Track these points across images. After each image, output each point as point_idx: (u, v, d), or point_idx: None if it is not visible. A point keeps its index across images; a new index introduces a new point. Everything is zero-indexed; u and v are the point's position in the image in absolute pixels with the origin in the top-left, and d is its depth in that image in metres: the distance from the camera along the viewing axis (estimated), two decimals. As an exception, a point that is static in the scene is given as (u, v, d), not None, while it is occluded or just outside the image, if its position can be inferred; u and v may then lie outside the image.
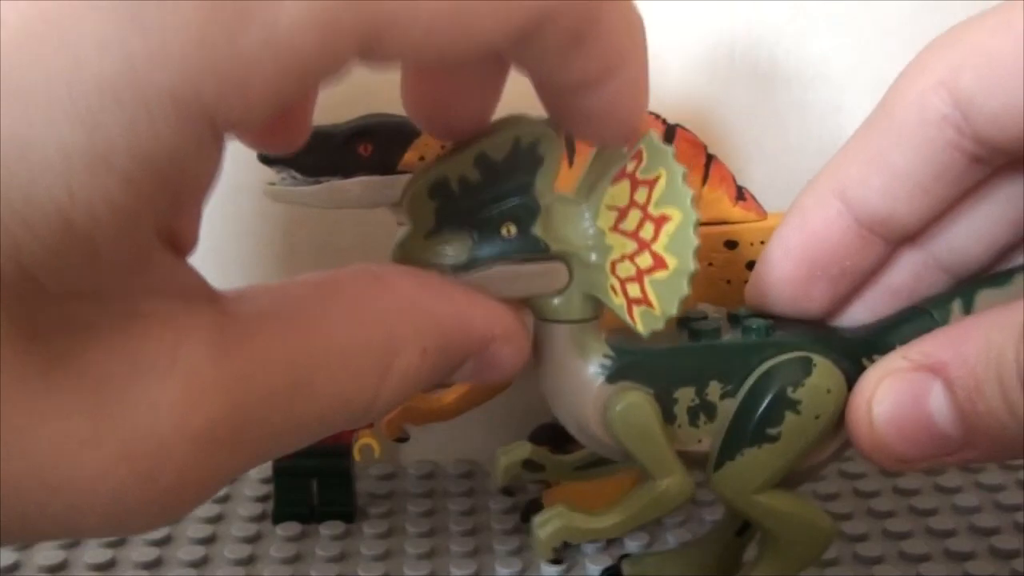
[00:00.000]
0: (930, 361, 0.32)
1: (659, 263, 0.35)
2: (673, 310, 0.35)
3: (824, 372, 0.37)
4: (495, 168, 0.35)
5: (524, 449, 0.43)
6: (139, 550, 0.51)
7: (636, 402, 0.38)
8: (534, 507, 0.52)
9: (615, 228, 0.36)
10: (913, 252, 0.39)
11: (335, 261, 0.56)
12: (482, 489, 0.57)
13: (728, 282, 0.50)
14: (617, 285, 0.36)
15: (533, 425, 0.57)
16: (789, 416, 0.37)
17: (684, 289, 0.35)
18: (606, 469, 0.44)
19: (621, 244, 0.36)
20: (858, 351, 0.38)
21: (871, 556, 0.50)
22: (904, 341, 0.37)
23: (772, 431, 0.38)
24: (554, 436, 0.56)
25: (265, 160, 0.49)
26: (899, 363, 0.34)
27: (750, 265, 0.50)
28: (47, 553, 0.50)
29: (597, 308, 0.38)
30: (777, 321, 0.40)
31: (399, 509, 0.55)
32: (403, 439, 0.53)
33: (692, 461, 0.39)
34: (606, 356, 0.38)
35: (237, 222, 0.56)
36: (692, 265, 0.35)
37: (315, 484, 0.54)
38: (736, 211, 0.50)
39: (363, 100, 0.54)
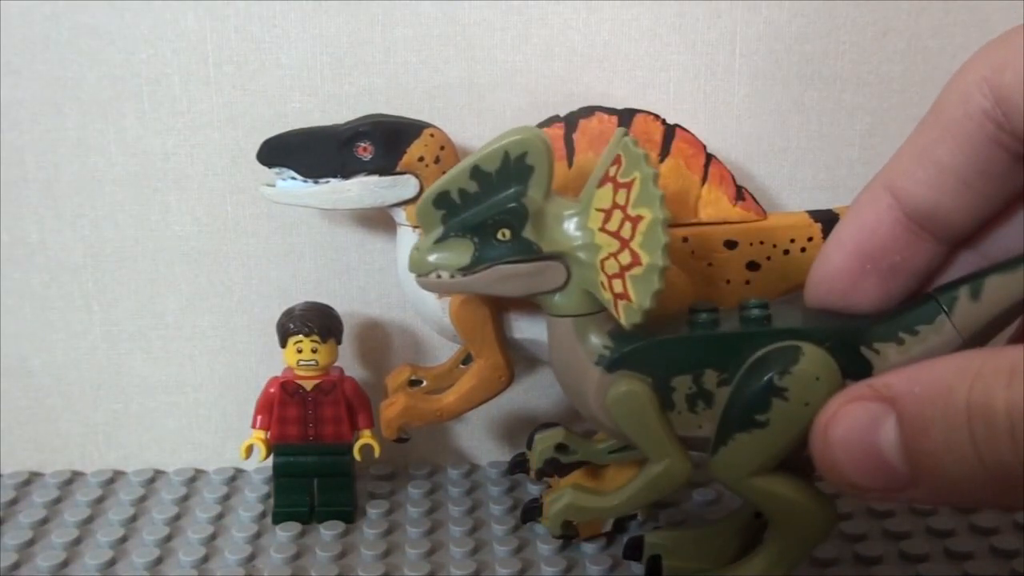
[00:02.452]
0: (890, 393, 0.32)
1: (635, 260, 0.38)
2: (647, 303, 0.38)
3: (813, 360, 0.39)
4: (489, 179, 0.40)
5: (558, 434, 0.46)
6: (140, 549, 0.51)
7: (631, 390, 0.40)
8: (534, 508, 0.52)
9: (602, 228, 0.39)
10: (967, 254, 0.39)
11: (335, 261, 0.57)
12: (482, 489, 0.57)
13: (728, 281, 0.50)
14: (605, 281, 0.39)
15: (533, 426, 0.57)
16: (776, 403, 0.39)
17: (656, 284, 0.38)
18: (633, 453, 0.46)
19: (608, 243, 0.39)
20: (858, 340, 0.39)
21: (871, 556, 0.50)
22: (907, 329, 0.38)
23: (760, 417, 0.39)
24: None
25: (265, 161, 0.49)
26: (863, 391, 0.34)
27: (750, 265, 0.50)
28: (48, 553, 0.50)
29: (597, 302, 0.41)
30: (784, 311, 0.41)
31: (399, 509, 0.55)
32: (403, 439, 0.53)
33: (695, 446, 0.41)
34: (606, 347, 0.41)
35: (237, 222, 0.56)
36: (662, 261, 0.38)
37: (315, 484, 0.54)
38: (736, 211, 0.50)
39: (363, 101, 0.54)
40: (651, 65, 0.55)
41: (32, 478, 0.58)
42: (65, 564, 0.50)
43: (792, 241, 0.50)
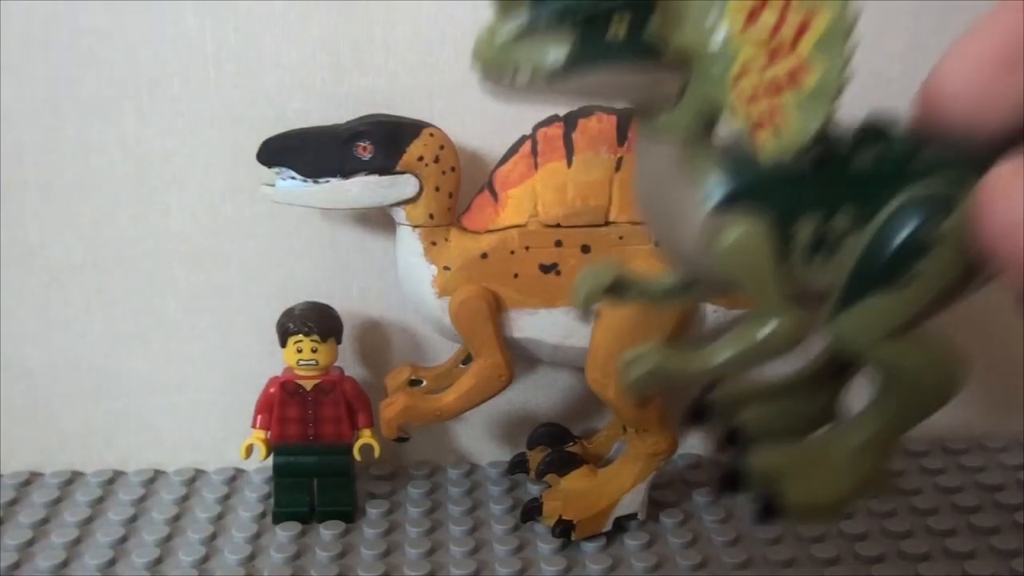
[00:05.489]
0: None
1: (798, 75, 0.30)
2: (808, 137, 0.30)
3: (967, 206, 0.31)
4: None
5: (609, 273, 0.39)
6: (140, 549, 0.51)
7: (748, 233, 0.33)
8: (534, 507, 0.52)
9: (745, 28, 0.30)
10: None
11: (335, 261, 0.57)
12: (482, 489, 0.57)
13: (727, 282, 0.50)
14: (742, 101, 0.31)
15: (533, 426, 0.57)
16: (925, 257, 0.32)
17: (826, 110, 0.30)
18: (694, 295, 0.39)
19: (750, 52, 0.30)
20: None
21: (871, 555, 0.50)
22: None
23: (906, 275, 0.32)
24: (552, 436, 0.56)
25: (265, 160, 0.49)
26: None
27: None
28: (48, 553, 0.50)
29: (711, 125, 0.33)
30: (918, 144, 0.33)
31: (399, 509, 0.55)
32: (403, 439, 0.53)
33: (809, 300, 0.34)
34: (718, 180, 0.32)
35: (237, 222, 0.56)
36: (841, 78, 0.30)
37: (315, 484, 0.54)
38: (735, 211, 0.49)
39: (363, 101, 0.54)
40: (651, 65, 0.55)
41: (32, 478, 0.58)
42: (65, 564, 0.50)
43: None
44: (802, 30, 0.29)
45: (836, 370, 0.39)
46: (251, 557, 0.50)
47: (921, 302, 0.33)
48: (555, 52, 0.30)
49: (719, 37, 0.30)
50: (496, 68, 0.30)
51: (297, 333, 0.51)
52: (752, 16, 0.30)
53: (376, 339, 0.58)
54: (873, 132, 0.34)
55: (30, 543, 0.52)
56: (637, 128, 0.33)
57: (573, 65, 0.30)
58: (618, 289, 0.38)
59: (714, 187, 0.32)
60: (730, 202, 0.32)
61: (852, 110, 0.60)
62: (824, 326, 0.34)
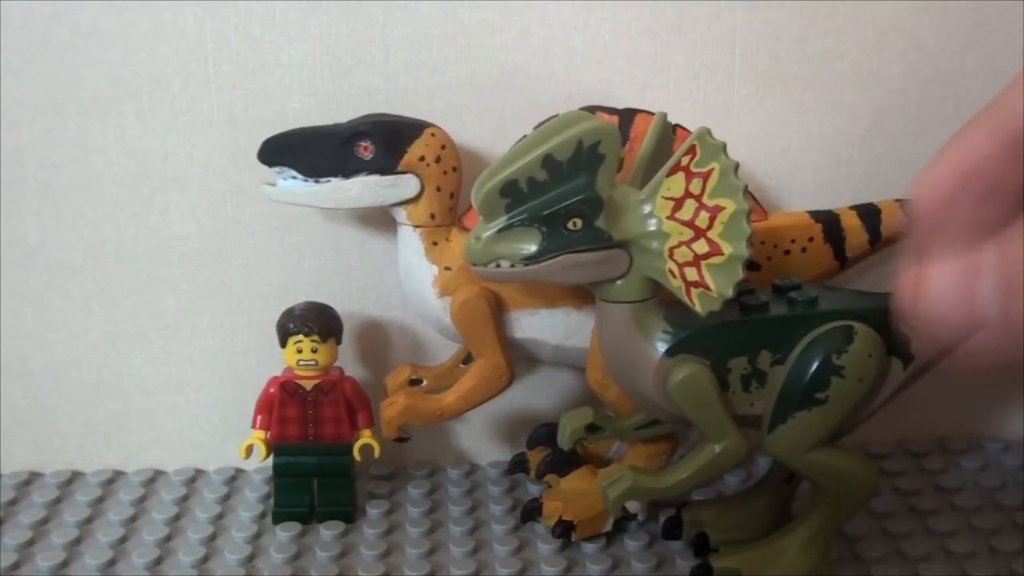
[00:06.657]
0: (984, 251, 0.33)
1: (715, 249, 0.39)
2: (729, 292, 0.40)
3: (865, 338, 0.41)
4: (560, 168, 0.39)
5: (587, 415, 0.48)
6: (140, 549, 0.51)
7: (694, 373, 0.41)
8: (534, 508, 0.52)
9: (672, 217, 0.40)
10: None
11: (335, 261, 0.57)
12: (482, 489, 0.57)
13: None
14: (675, 269, 0.40)
15: (533, 426, 0.57)
16: (835, 381, 0.41)
17: (739, 273, 0.39)
18: (660, 428, 0.48)
19: (678, 232, 0.40)
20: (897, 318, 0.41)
21: (871, 556, 0.50)
22: None
23: (820, 395, 0.42)
24: (552, 436, 0.56)
25: (266, 160, 0.49)
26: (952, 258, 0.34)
27: (749, 265, 0.50)
28: (48, 553, 0.50)
29: (655, 288, 0.42)
30: (821, 292, 0.43)
31: (399, 509, 0.55)
32: (403, 439, 0.53)
33: (746, 423, 0.43)
34: (665, 332, 0.42)
35: (237, 222, 0.56)
36: (746, 251, 0.39)
37: (315, 484, 0.54)
38: (736, 211, 0.50)
39: (363, 101, 0.54)
40: (651, 65, 0.55)
41: (32, 478, 0.58)
42: (65, 564, 0.50)
43: (793, 241, 0.50)
44: (713, 218, 0.39)
45: (786, 477, 0.49)
46: (251, 557, 0.50)
47: (835, 417, 0.42)
48: (528, 246, 0.40)
49: (653, 223, 0.40)
50: (483, 259, 0.40)
51: (297, 333, 0.51)
52: (675, 208, 0.40)
53: (376, 339, 0.58)
54: (785, 288, 0.43)
55: (30, 543, 0.52)
56: (596, 295, 0.42)
57: (543, 254, 0.40)
58: (595, 428, 0.48)
59: (662, 339, 0.41)
60: (676, 349, 0.41)
61: (854, 110, 0.60)
62: (763, 443, 0.43)
